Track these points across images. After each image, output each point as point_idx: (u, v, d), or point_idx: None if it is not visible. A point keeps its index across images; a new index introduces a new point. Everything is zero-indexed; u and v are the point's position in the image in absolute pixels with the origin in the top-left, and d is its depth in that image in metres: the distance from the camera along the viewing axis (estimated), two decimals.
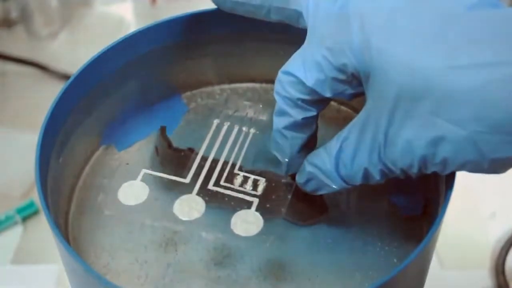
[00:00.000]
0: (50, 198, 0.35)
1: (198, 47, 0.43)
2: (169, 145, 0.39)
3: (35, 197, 0.61)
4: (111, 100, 0.41)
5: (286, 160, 0.36)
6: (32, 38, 0.79)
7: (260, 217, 0.35)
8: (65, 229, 0.38)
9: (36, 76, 0.75)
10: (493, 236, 0.59)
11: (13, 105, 0.73)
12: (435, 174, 0.37)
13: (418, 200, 0.39)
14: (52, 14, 0.79)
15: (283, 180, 0.37)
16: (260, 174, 0.37)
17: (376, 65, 0.31)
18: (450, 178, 0.34)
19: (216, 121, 0.40)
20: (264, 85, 0.46)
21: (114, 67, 0.40)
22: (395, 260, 0.36)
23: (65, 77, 0.73)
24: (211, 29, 0.42)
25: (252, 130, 0.40)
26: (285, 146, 0.36)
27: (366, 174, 0.33)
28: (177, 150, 0.39)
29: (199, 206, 0.36)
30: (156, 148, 0.40)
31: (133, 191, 0.37)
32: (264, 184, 0.36)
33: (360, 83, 0.33)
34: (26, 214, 0.61)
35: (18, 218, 0.61)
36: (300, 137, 0.36)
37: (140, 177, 0.38)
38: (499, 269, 0.57)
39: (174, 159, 0.38)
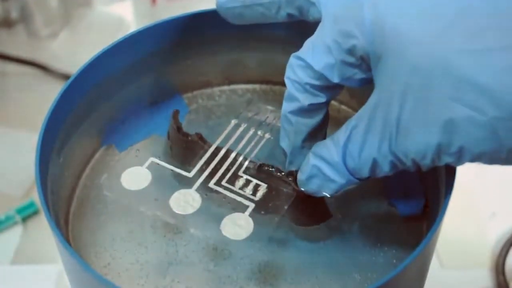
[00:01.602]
0: (50, 198, 0.35)
1: (198, 47, 0.43)
2: (179, 128, 0.39)
3: (35, 197, 0.61)
4: (111, 101, 0.41)
5: (290, 149, 0.35)
6: (32, 38, 0.79)
7: (251, 223, 0.35)
8: (65, 229, 0.38)
9: (36, 76, 0.75)
10: (493, 236, 0.59)
11: (13, 105, 0.73)
12: (435, 174, 0.37)
13: (418, 201, 0.39)
14: (52, 14, 0.79)
15: (284, 189, 0.36)
16: (263, 179, 0.37)
17: (390, 45, 0.30)
18: (450, 178, 0.34)
19: (234, 121, 0.40)
20: (263, 86, 0.46)
21: (114, 67, 0.40)
22: (394, 261, 0.36)
23: (65, 77, 0.73)
24: (211, 29, 0.42)
25: (267, 135, 0.39)
26: (289, 132, 0.35)
27: (375, 166, 0.32)
28: (185, 134, 0.38)
29: (195, 202, 0.36)
30: (168, 133, 0.40)
31: (136, 177, 0.37)
32: (265, 190, 0.36)
33: (369, 68, 0.32)
34: (26, 214, 0.61)
35: (18, 218, 0.61)
36: (305, 124, 0.35)
37: (146, 164, 0.38)
38: (499, 269, 0.57)
39: (182, 148, 0.38)
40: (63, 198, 0.38)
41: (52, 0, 0.78)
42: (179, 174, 0.37)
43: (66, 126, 0.38)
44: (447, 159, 0.30)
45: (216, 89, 0.46)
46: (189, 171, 0.37)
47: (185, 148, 0.38)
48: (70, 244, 0.37)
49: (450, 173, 0.34)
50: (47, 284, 0.57)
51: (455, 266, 0.58)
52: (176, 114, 0.39)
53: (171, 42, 0.42)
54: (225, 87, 0.46)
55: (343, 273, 0.36)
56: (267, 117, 0.40)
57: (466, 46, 0.28)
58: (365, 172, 0.33)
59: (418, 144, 0.30)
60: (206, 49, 0.44)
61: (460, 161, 0.30)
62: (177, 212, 0.35)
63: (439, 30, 0.29)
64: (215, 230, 0.35)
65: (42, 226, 0.60)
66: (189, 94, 0.45)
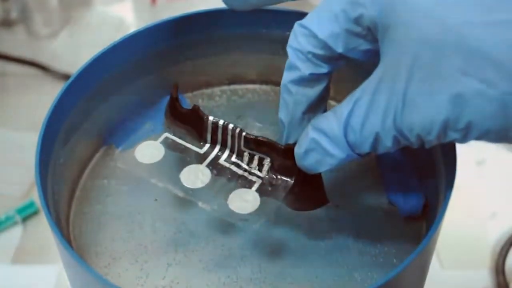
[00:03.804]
0: (50, 198, 0.35)
1: (198, 47, 0.43)
2: (173, 99, 0.38)
3: (35, 197, 0.61)
4: (111, 101, 0.41)
5: (288, 121, 0.35)
6: (32, 38, 0.79)
7: (258, 198, 0.35)
8: (66, 229, 0.38)
9: (36, 76, 0.75)
10: (493, 236, 0.59)
11: (13, 105, 0.73)
12: (435, 174, 0.37)
13: (418, 200, 0.39)
14: (52, 14, 0.79)
15: (287, 166, 0.35)
16: (264, 153, 0.36)
17: (399, 15, 0.29)
18: (450, 178, 0.34)
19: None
20: (264, 86, 0.46)
21: (114, 67, 0.40)
22: (394, 261, 0.36)
23: (65, 77, 0.73)
24: (211, 29, 0.42)
25: None
26: (289, 102, 0.34)
27: (377, 141, 0.31)
28: (181, 108, 0.38)
29: (205, 177, 0.36)
30: (165, 113, 0.39)
31: (150, 151, 0.37)
32: (269, 165, 0.36)
33: (374, 39, 0.31)
34: (26, 214, 0.61)
35: (18, 218, 0.61)
36: (305, 94, 0.34)
37: (160, 139, 0.38)
38: (499, 269, 0.57)
39: (180, 125, 0.38)
40: (64, 198, 0.38)
41: (52, 0, 0.78)
42: (191, 150, 0.37)
43: (66, 126, 0.38)
44: (453, 135, 0.29)
45: (217, 89, 0.46)
46: (201, 147, 0.37)
47: (183, 123, 0.38)
48: (70, 244, 0.37)
49: (450, 172, 0.34)
50: (47, 284, 0.57)
51: (455, 266, 0.58)
52: (175, 87, 0.39)
53: (171, 42, 0.42)
54: (226, 87, 0.46)
55: (343, 273, 0.36)
56: (253, 133, 0.40)
57: (480, 18, 0.28)
58: (366, 147, 0.32)
59: (425, 118, 0.29)
60: (206, 49, 0.44)
61: (466, 137, 0.29)
62: (186, 186, 0.36)
63: (452, 1, 0.28)
64: (222, 204, 0.35)
65: (42, 226, 0.60)
66: (189, 94, 0.45)
